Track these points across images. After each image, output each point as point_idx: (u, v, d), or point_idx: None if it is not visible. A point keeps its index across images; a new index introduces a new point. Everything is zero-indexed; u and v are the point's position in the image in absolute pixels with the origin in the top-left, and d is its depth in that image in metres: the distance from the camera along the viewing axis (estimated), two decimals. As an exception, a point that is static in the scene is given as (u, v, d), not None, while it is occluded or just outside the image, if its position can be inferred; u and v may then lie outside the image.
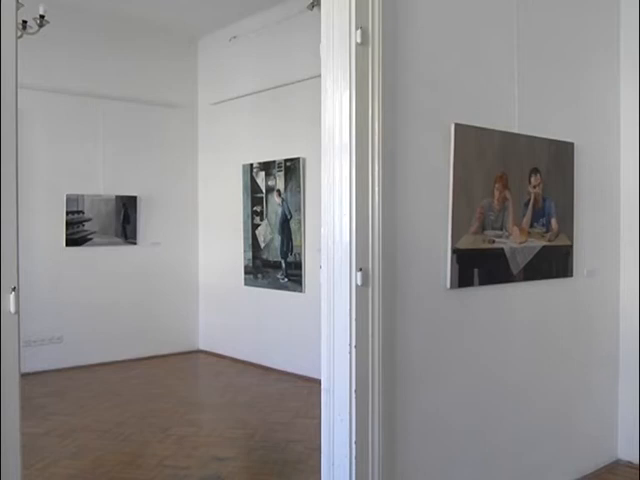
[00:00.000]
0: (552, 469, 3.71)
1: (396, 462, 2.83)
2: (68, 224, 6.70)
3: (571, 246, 3.74)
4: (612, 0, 4.05)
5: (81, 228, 6.80)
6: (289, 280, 6.49)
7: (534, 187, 3.48)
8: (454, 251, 3.04)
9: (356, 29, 2.63)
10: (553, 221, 3.60)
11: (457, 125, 3.03)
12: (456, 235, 3.04)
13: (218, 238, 7.42)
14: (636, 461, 4.06)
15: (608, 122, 4.05)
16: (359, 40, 2.62)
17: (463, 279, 3.09)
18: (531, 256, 3.47)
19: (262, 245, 6.80)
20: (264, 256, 6.78)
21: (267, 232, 6.74)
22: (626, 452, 4.12)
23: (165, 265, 7.40)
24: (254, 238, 6.88)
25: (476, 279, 3.18)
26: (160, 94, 7.29)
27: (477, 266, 3.18)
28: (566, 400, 3.79)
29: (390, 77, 2.75)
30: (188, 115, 7.60)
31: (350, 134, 2.63)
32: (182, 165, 7.56)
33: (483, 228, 3.19)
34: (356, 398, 2.63)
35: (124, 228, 7.10)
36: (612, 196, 4.08)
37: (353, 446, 2.63)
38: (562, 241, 3.67)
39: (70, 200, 6.70)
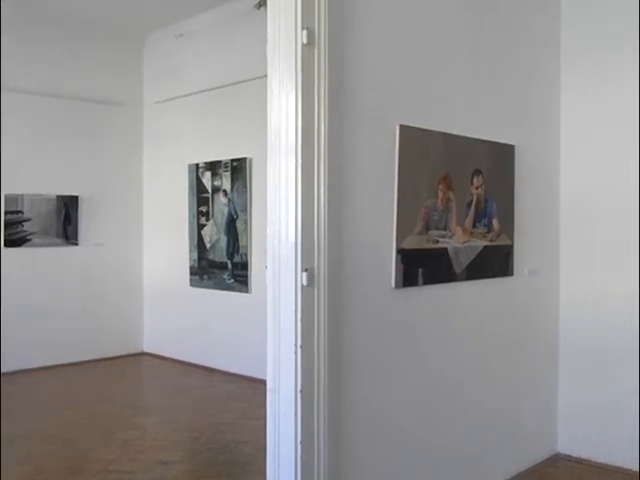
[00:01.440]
0: (496, 465, 3.79)
1: (342, 461, 2.84)
2: (7, 224, 6.50)
3: (512, 246, 3.83)
4: (554, 4, 4.17)
5: (20, 228, 6.61)
6: (235, 281, 6.45)
7: (476, 188, 3.55)
8: (399, 251, 3.07)
9: (302, 30, 2.62)
10: (495, 221, 3.69)
11: (402, 126, 3.06)
12: (401, 235, 3.08)
13: (163, 239, 7.32)
14: (574, 454, 4.18)
15: (548, 125, 4.16)
16: (305, 41, 2.63)
17: (408, 279, 3.13)
18: (474, 256, 3.54)
19: (208, 245, 6.74)
20: (210, 257, 6.72)
21: (213, 232, 6.68)
22: (565, 446, 4.24)
23: (108, 266, 7.25)
24: (200, 238, 6.82)
25: (420, 278, 3.22)
26: (103, 91, 7.14)
27: (421, 266, 3.23)
28: (509, 396, 3.88)
29: (336, 78, 2.77)
30: (133, 113, 7.46)
31: (296, 134, 2.64)
32: (126, 164, 7.42)
33: (427, 228, 3.24)
34: (302, 398, 2.63)
35: (65, 228, 6.93)
36: (551, 197, 4.19)
37: (299, 446, 2.63)
38: (503, 241, 3.76)
39: (9, 200, 6.50)
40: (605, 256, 4.06)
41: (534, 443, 4.13)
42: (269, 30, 2.75)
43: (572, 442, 4.21)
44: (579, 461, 4.13)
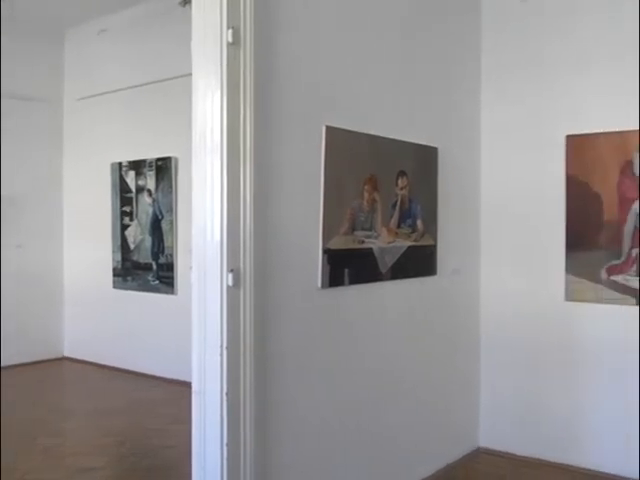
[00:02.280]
0: (421, 460, 3.87)
1: (270, 463, 2.84)
2: None
3: (435, 246, 3.91)
4: (474, 10, 4.29)
5: None
6: (160, 282, 6.34)
7: (401, 189, 3.61)
8: (325, 251, 3.09)
9: (228, 28, 2.60)
10: (419, 222, 3.76)
11: (328, 127, 3.08)
12: (327, 236, 3.09)
13: (85, 239, 7.10)
14: (494, 448, 4.31)
15: (469, 129, 4.28)
16: (230, 40, 2.60)
17: (334, 279, 3.15)
18: (398, 255, 3.60)
19: (132, 246, 6.59)
20: (134, 258, 6.57)
21: (137, 233, 6.54)
22: (486, 440, 4.37)
23: (26, 268, 6.97)
24: (123, 239, 6.66)
25: (346, 278, 3.25)
26: (22, 88, 6.86)
27: (347, 266, 3.25)
28: (434, 392, 3.96)
29: (263, 78, 2.75)
30: (53, 110, 7.21)
31: (221, 134, 2.61)
32: (45, 163, 7.16)
33: (353, 229, 3.27)
34: (227, 400, 2.61)
35: (-20, 230, 6.64)
36: (473, 199, 4.31)
37: (224, 448, 2.61)
38: (427, 241, 3.84)
39: None
40: (523, 255, 4.21)
41: (458, 438, 4.24)
42: (194, 28, 2.72)
43: (494, 436, 4.33)
44: (500, 455, 4.25)
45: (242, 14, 2.65)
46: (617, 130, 3.85)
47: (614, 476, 3.87)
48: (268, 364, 2.82)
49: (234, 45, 2.62)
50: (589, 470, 3.95)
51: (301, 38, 3.00)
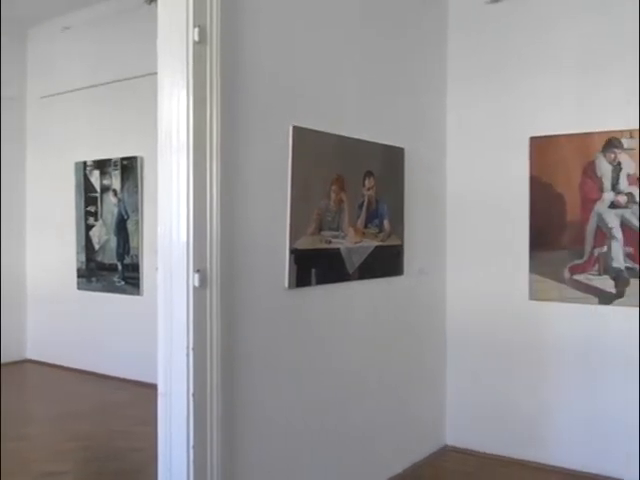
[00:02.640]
0: (389, 459, 3.88)
1: (236, 464, 2.82)
2: None
3: (402, 246, 3.94)
4: (441, 12, 4.33)
5: None
6: (126, 283, 6.26)
7: (368, 189, 3.62)
8: (292, 251, 3.09)
9: (194, 27, 2.58)
10: (386, 222, 3.78)
11: (295, 128, 3.08)
12: (294, 236, 3.09)
13: (48, 239, 6.97)
14: (461, 445, 4.35)
15: (436, 129, 4.32)
16: (197, 38, 2.59)
17: (301, 279, 3.15)
18: (365, 256, 3.61)
19: (97, 247, 6.50)
20: (99, 258, 6.48)
21: (102, 233, 6.45)
22: (453, 438, 4.41)
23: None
24: (88, 239, 6.57)
25: (314, 278, 3.25)
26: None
27: (315, 266, 3.25)
28: (402, 391, 3.98)
29: (229, 77, 2.74)
30: (14, 108, 7.06)
31: (188, 133, 2.59)
32: (6, 162, 7.00)
33: (320, 229, 3.27)
34: (194, 401, 2.59)
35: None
36: (439, 199, 4.35)
37: (191, 450, 2.59)
38: (394, 241, 3.86)
39: None
40: (488, 255, 4.26)
41: (425, 436, 4.27)
42: (160, 26, 2.69)
43: (460, 434, 4.38)
44: (467, 452, 4.30)
45: (208, 12, 2.64)
46: (580, 132, 3.91)
47: (578, 472, 3.93)
48: (235, 365, 2.81)
49: (200, 44, 2.60)
50: (554, 467, 4.02)
51: (268, 38, 2.99)
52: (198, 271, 2.59)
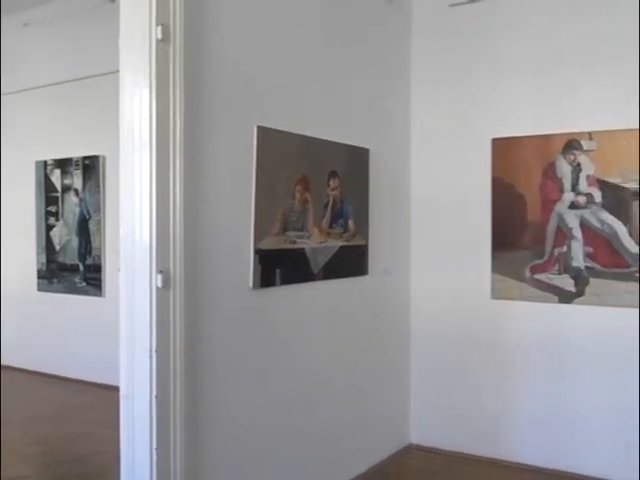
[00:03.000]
0: (355, 458, 3.90)
1: (201, 466, 2.80)
2: None
3: (367, 246, 3.95)
4: (405, 16, 4.35)
5: None
6: (88, 284, 6.16)
7: (333, 190, 3.63)
8: (257, 252, 3.07)
9: (157, 25, 2.56)
10: (350, 222, 3.79)
11: (259, 128, 3.07)
12: (259, 236, 3.08)
13: (6, 240, 6.82)
14: (425, 444, 4.39)
15: (400, 130, 4.34)
16: (160, 36, 2.56)
17: (266, 279, 3.14)
18: (330, 256, 3.62)
19: (58, 247, 6.38)
20: (60, 259, 6.37)
21: (63, 234, 6.34)
22: (417, 437, 4.44)
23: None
24: (48, 240, 6.45)
25: (278, 279, 3.24)
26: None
27: (279, 266, 3.25)
28: (366, 390, 4.00)
29: (193, 76, 2.72)
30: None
31: (150, 132, 2.56)
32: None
33: (285, 229, 3.26)
34: (157, 403, 2.56)
35: None
36: (404, 200, 4.38)
37: (154, 452, 2.56)
38: (358, 241, 3.87)
39: None
40: (451, 255, 4.30)
41: (390, 435, 4.29)
42: (122, 25, 2.66)
43: (425, 433, 4.41)
44: (432, 451, 4.33)
45: (172, 11, 2.61)
46: (540, 134, 3.98)
47: (542, 469, 4.00)
48: (199, 366, 2.79)
49: (163, 42, 2.58)
50: (518, 464, 4.07)
51: (232, 36, 2.97)
52: (161, 272, 2.57)
